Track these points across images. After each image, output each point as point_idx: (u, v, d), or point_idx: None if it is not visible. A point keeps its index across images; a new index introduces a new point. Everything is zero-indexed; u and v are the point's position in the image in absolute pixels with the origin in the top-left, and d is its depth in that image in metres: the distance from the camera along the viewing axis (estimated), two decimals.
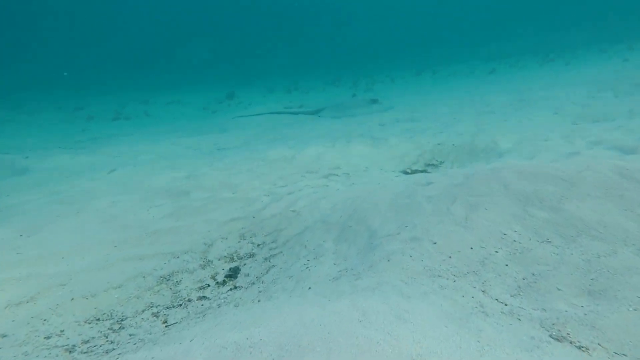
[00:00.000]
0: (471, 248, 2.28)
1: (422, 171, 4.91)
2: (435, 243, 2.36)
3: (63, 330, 2.27)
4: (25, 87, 28.11)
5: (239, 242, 3.32)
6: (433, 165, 5.08)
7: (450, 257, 2.22)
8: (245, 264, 3.00)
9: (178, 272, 2.86)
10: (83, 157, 6.79)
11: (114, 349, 2.07)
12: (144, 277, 2.75)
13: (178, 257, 3.02)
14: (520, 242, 2.28)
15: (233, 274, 2.88)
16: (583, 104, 6.67)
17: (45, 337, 2.20)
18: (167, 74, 36.58)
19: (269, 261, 2.96)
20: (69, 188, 4.64)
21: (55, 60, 44.69)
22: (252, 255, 3.13)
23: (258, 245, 3.26)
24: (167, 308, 2.50)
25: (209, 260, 3.03)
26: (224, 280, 2.80)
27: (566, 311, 1.76)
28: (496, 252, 2.23)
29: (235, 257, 3.11)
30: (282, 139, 7.11)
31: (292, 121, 9.62)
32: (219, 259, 3.08)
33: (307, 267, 2.65)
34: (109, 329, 2.30)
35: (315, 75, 28.18)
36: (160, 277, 2.79)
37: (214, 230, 3.44)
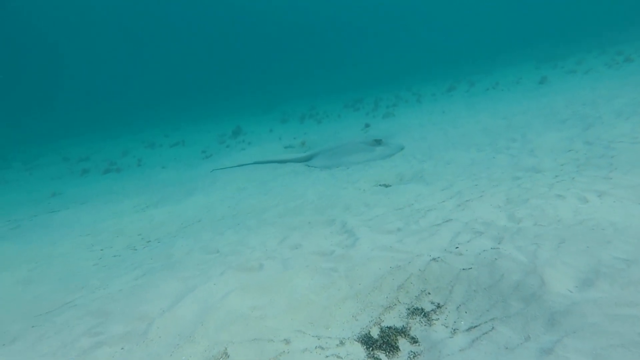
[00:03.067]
0: None
1: (400, 332, 2.61)
2: None
3: None
4: (52, 135, 28.55)
5: None
6: (422, 313, 2.74)
7: None
8: None
9: None
10: None
11: None
12: None
13: None
14: None
15: None
16: None
17: None
18: (194, 106, 36.30)
19: None
20: None
21: (90, 102, 46.37)
22: None
23: None
24: None
25: None
26: None
27: None
28: None
29: None
30: (224, 225, 5.02)
31: (270, 177, 7.53)
32: None
33: None
34: None
35: (338, 95, 26.22)
36: None
37: None
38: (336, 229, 4.10)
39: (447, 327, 2.59)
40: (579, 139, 5.95)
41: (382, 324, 2.70)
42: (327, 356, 2.40)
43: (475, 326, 2.51)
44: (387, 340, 2.56)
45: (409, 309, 2.80)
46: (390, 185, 5.83)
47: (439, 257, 3.13)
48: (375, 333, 2.63)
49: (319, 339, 2.57)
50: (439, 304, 2.79)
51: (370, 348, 2.51)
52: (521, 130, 7.47)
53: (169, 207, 6.15)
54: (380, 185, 5.91)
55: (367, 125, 11.92)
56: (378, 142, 7.93)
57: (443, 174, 5.60)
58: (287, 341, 2.51)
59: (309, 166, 7.94)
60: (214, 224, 4.95)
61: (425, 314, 2.74)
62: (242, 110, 27.42)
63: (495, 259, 2.95)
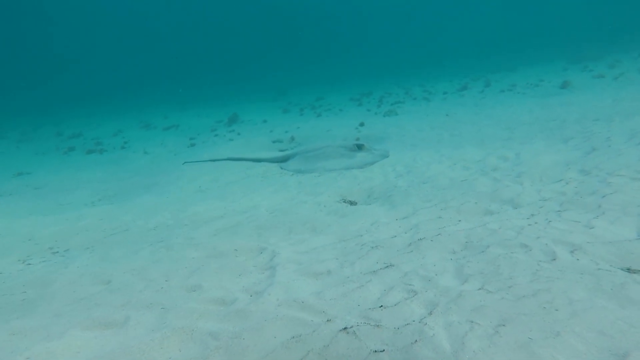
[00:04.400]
0: None
1: None
2: None
3: None
4: (61, 106, 28.55)
5: None
6: None
7: None
8: None
9: None
10: None
11: None
12: None
13: None
14: None
15: None
16: None
17: None
18: (209, 87, 35.88)
19: None
20: None
21: (96, 77, 46.38)
22: None
23: None
24: None
25: None
26: None
27: None
28: None
29: None
30: (147, 240, 4.49)
31: (236, 179, 6.97)
32: None
33: None
34: None
35: (351, 85, 25.38)
36: None
37: None
38: (260, 263, 3.52)
39: None
40: (576, 165, 5.18)
41: None
42: None
43: None
44: None
45: None
46: (355, 204, 5.20)
47: (352, 327, 2.50)
48: None
49: None
50: None
51: None
52: (519, 146, 6.70)
53: (112, 207, 5.66)
54: (344, 201, 5.28)
55: (361, 124, 11.20)
56: (360, 147, 7.26)
57: (413, 196, 4.93)
58: None
59: (282, 168, 7.34)
60: (138, 237, 4.42)
61: None
62: (252, 95, 26.86)
63: (416, 340, 2.32)
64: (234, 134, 12.28)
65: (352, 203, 5.25)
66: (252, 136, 11.45)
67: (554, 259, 3.02)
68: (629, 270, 2.84)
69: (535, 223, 3.64)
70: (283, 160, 7.73)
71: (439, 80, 23.28)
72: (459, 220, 3.96)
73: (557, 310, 2.40)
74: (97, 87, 39.08)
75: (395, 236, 3.80)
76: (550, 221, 3.64)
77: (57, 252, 4.12)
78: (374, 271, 3.18)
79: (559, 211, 3.85)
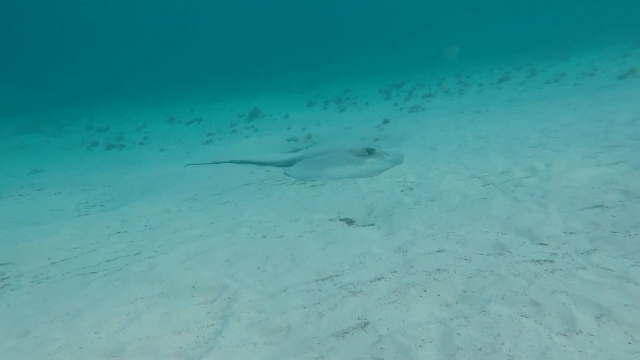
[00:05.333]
0: None
1: None
2: None
3: None
4: (101, 97, 29.44)
5: None
6: None
7: None
8: None
9: None
10: None
11: None
12: None
13: None
14: None
15: None
16: None
17: None
18: (244, 78, 35.87)
19: None
20: None
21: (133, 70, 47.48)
22: None
23: None
24: None
25: None
26: None
27: None
28: None
29: None
30: (108, 266, 4.11)
31: (234, 185, 6.52)
32: None
33: None
34: None
35: (386, 74, 24.37)
36: None
37: None
38: (214, 309, 3.01)
39: None
40: (620, 184, 4.28)
41: None
42: None
43: None
44: None
45: None
46: (352, 222, 4.61)
47: None
48: None
49: None
50: None
51: None
52: (552, 154, 5.79)
53: (95, 217, 5.37)
54: (340, 219, 4.69)
55: (385, 122, 10.44)
56: (370, 152, 6.60)
57: (416, 218, 4.26)
58: None
59: (286, 174, 6.82)
60: (99, 261, 4.04)
61: None
62: (282, 87, 26.46)
63: None
64: (252, 130, 11.88)
65: (349, 222, 4.65)
66: (269, 133, 11.00)
67: (573, 330, 2.30)
68: None
69: (556, 270, 2.89)
70: (288, 164, 7.21)
71: (478, 68, 21.82)
72: (461, 258, 3.27)
73: None
74: (137, 79, 40.14)
75: (382, 278, 3.17)
76: (574, 267, 2.89)
77: (8, 277, 3.81)
78: (344, 332, 2.58)
79: (587, 253, 3.07)
